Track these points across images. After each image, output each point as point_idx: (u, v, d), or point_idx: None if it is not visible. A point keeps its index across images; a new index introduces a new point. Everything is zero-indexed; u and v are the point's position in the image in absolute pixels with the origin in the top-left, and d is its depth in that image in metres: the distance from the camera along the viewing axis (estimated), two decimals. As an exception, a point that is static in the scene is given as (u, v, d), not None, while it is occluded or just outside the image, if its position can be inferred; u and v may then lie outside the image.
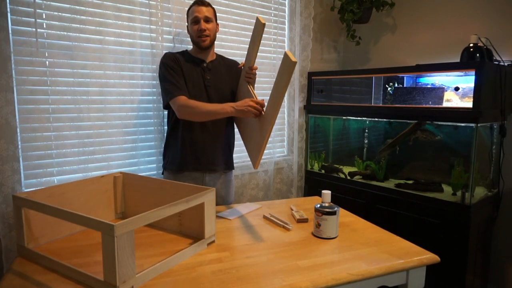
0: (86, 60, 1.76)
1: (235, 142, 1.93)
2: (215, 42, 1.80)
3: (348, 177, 2.46)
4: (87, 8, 1.74)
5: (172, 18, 2.00)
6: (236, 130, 1.91)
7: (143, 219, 0.96)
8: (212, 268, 1.07)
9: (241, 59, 1.85)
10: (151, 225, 1.37)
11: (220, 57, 1.85)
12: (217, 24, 1.77)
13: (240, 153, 2.37)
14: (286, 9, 2.56)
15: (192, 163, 1.74)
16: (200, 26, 1.67)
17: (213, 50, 1.80)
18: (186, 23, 1.77)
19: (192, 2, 1.74)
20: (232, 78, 1.81)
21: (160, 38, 1.97)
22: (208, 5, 1.72)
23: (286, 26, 2.57)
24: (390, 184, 2.23)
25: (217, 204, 1.73)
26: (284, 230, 1.38)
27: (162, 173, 1.85)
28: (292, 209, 1.59)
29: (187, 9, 1.75)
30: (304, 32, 2.60)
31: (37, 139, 1.67)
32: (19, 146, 1.61)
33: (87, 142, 1.81)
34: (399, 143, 2.27)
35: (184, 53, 1.79)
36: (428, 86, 2.24)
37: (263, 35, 2.42)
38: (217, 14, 1.80)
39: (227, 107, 1.56)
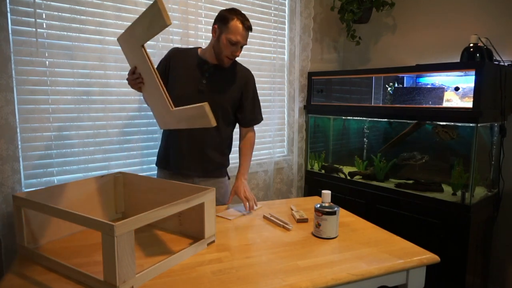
0: (86, 60, 1.76)
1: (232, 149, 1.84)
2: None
3: (348, 177, 2.46)
4: (87, 8, 1.74)
5: (173, 18, 2.00)
6: (234, 137, 1.82)
7: (143, 219, 0.96)
8: (212, 268, 1.07)
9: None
10: (151, 225, 1.37)
11: (232, 63, 1.65)
12: None
13: (237, 153, 2.35)
14: (286, 9, 2.56)
15: (179, 167, 1.66)
16: (236, 52, 1.57)
17: None
18: (215, 27, 1.57)
19: (238, 16, 1.56)
20: (235, 88, 1.65)
21: (160, 38, 1.97)
22: (251, 31, 1.61)
23: (286, 26, 2.57)
24: (390, 184, 2.23)
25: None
26: (284, 230, 1.38)
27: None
28: (292, 209, 1.59)
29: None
30: (304, 32, 2.60)
31: (37, 139, 1.67)
32: (19, 146, 1.61)
33: (87, 142, 1.81)
34: (401, 141, 2.27)
35: (192, 50, 1.69)
36: (428, 86, 2.24)
37: (263, 35, 2.44)
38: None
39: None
